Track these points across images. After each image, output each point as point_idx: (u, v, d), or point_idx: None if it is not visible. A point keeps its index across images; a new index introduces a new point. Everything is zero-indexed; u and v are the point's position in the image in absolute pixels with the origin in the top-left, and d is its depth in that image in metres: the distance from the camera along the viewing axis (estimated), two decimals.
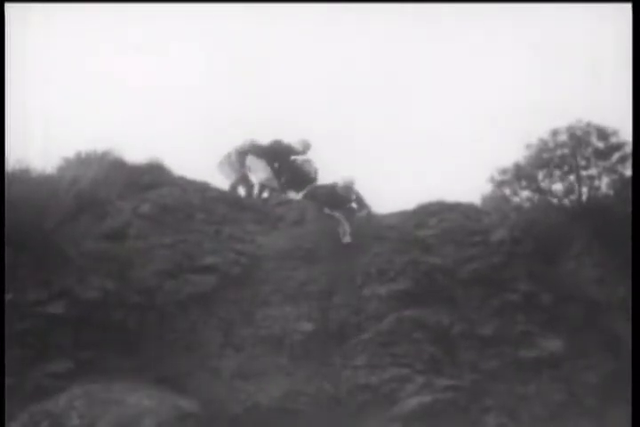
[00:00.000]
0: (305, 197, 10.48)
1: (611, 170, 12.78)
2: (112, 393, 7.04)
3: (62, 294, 7.80)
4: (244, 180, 11.04)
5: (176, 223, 9.28)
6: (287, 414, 7.74)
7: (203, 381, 7.83)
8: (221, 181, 10.90)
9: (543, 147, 13.08)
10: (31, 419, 6.70)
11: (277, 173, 10.91)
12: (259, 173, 10.86)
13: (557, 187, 12.86)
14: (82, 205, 8.99)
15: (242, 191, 11.12)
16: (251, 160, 10.93)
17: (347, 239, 9.57)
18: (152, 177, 10.02)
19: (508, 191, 13.00)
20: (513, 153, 13.15)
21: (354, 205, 10.42)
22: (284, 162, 11.03)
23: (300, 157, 11.15)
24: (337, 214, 9.87)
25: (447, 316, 8.86)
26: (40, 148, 9.64)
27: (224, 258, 8.97)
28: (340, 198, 10.23)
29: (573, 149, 12.90)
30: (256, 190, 10.92)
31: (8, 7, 8.21)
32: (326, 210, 10.01)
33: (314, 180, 10.98)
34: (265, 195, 10.83)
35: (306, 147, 11.23)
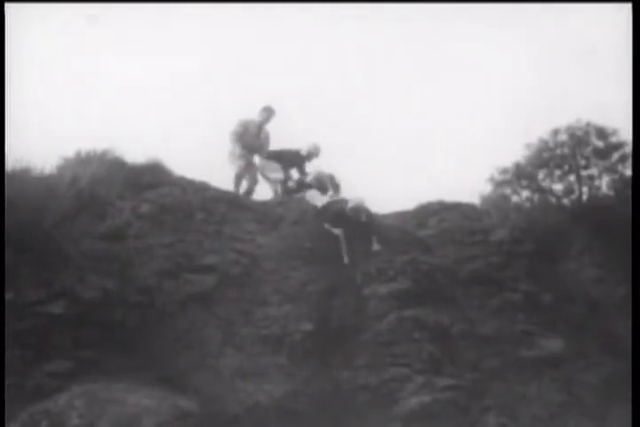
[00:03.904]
0: (318, 212, 10.09)
1: (611, 169, 12.83)
2: (112, 393, 7.02)
3: (62, 294, 7.78)
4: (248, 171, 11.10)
5: (176, 223, 9.26)
6: (287, 414, 7.73)
7: (202, 380, 7.82)
8: (221, 180, 10.92)
9: (543, 146, 13.13)
10: (31, 419, 6.68)
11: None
12: (273, 173, 10.97)
13: (557, 186, 12.91)
14: (81, 204, 8.97)
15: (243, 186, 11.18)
16: (266, 163, 11.07)
17: (347, 260, 9.35)
18: (152, 177, 9.99)
19: (508, 191, 13.04)
20: (513, 153, 13.19)
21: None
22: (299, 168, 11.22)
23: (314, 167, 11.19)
24: (338, 232, 9.55)
25: (447, 315, 8.85)
26: (39, 146, 9.64)
27: (224, 258, 8.96)
28: (348, 219, 9.74)
29: (573, 148, 12.94)
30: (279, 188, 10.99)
31: (8, 7, 8.20)
32: (327, 226, 9.69)
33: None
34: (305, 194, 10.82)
35: (312, 153, 11.24)
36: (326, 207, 10.13)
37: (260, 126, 11.26)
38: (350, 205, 9.83)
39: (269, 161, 11.09)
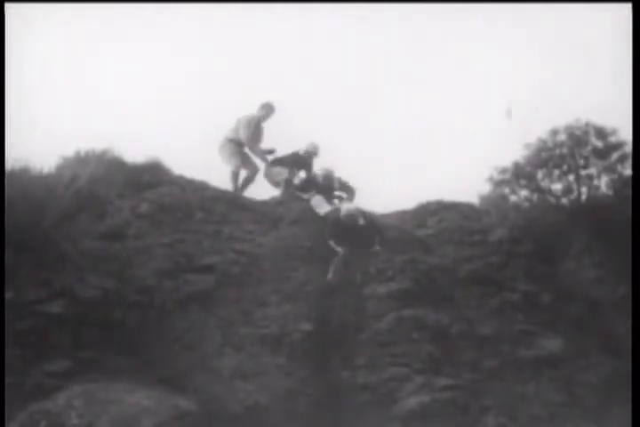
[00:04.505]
0: (321, 219, 10.03)
1: (610, 169, 12.83)
2: (111, 392, 7.01)
3: (61, 293, 7.77)
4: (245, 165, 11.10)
5: (175, 222, 9.26)
6: (287, 414, 7.73)
7: (202, 380, 7.81)
8: (220, 179, 10.92)
9: (542, 146, 13.14)
10: (30, 418, 6.67)
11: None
12: (278, 177, 11.00)
13: (556, 186, 12.92)
14: (81, 203, 8.97)
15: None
16: (269, 170, 11.11)
17: (330, 276, 9.17)
18: (151, 176, 10.00)
19: (507, 191, 13.05)
20: (512, 152, 13.19)
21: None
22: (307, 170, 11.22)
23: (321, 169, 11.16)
24: (339, 250, 9.44)
25: (446, 315, 8.85)
26: (39, 146, 9.63)
27: (223, 257, 8.96)
28: (344, 225, 9.66)
29: (572, 148, 12.95)
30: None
31: (8, 7, 8.19)
32: (331, 243, 9.57)
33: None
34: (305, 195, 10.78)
35: (310, 152, 11.26)
36: (326, 216, 10.11)
37: (259, 122, 11.27)
38: (343, 212, 9.76)
39: (273, 167, 11.10)
